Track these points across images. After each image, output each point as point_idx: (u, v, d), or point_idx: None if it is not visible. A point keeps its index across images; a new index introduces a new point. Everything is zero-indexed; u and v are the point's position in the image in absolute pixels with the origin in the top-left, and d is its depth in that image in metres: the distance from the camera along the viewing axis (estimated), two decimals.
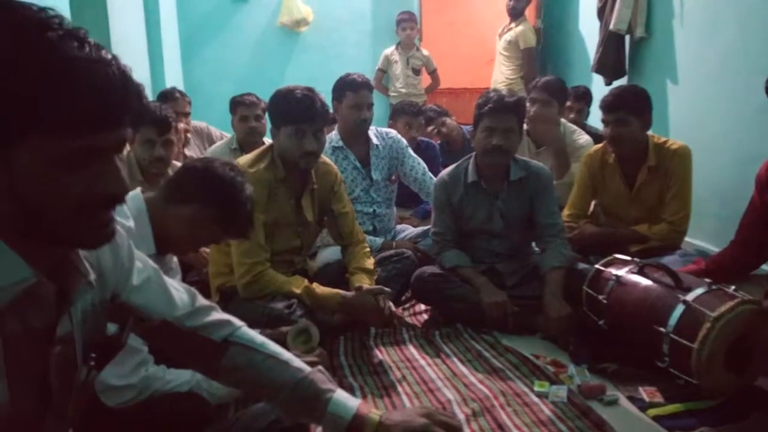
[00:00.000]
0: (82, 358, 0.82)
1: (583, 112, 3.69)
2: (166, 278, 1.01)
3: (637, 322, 1.82)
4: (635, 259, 2.02)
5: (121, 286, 0.91)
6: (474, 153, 2.37)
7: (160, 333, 0.98)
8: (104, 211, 0.69)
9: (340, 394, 1.03)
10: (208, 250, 2.29)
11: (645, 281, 1.87)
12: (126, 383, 1.29)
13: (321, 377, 1.05)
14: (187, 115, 3.67)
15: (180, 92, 3.67)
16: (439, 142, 3.98)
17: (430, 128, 3.91)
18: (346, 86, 2.68)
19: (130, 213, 1.37)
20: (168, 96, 3.59)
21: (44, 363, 0.75)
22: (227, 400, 1.49)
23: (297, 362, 1.06)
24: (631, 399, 1.71)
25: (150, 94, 4.36)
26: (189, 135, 3.72)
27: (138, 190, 1.48)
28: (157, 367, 1.35)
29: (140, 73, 4.32)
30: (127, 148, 2.55)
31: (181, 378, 1.36)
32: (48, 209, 0.64)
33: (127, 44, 3.92)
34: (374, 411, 1.03)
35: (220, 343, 1.03)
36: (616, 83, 3.82)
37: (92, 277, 0.78)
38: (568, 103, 3.53)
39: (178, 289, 1.03)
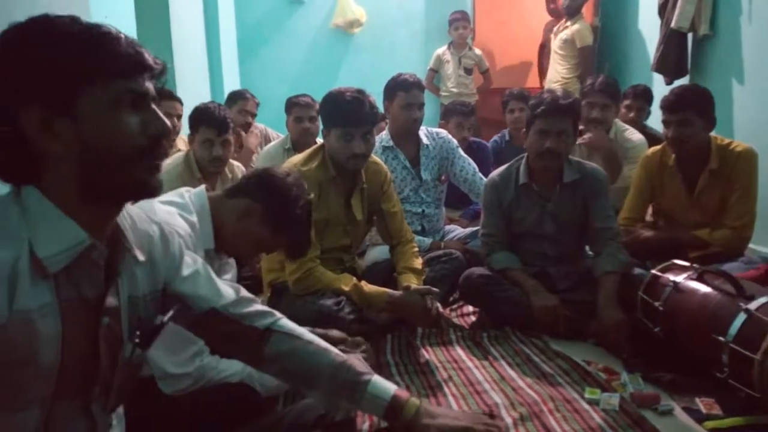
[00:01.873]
0: (128, 334, 0.88)
1: (643, 111, 3.50)
2: (213, 274, 1.07)
3: (695, 330, 1.76)
4: (694, 265, 1.95)
5: (171, 277, 0.97)
6: (526, 154, 2.33)
7: (207, 321, 1.02)
8: (154, 156, 0.81)
9: (378, 378, 1.07)
10: None
11: (704, 288, 1.80)
12: (183, 372, 1.34)
13: (359, 363, 1.09)
14: (254, 115, 3.79)
15: (250, 93, 3.79)
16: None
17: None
18: (398, 86, 2.70)
19: (193, 208, 1.42)
20: (239, 96, 3.72)
21: (94, 332, 0.82)
22: (276, 392, 1.53)
23: (335, 350, 1.10)
24: (687, 410, 1.64)
25: (208, 95, 4.51)
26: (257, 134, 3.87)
27: (202, 187, 1.53)
28: (211, 357, 1.39)
29: (199, 74, 4.46)
30: (187, 147, 2.65)
31: (234, 368, 1.40)
32: (109, 151, 0.77)
33: (187, 47, 4.06)
34: (413, 398, 1.06)
35: (263, 330, 1.07)
36: (677, 83, 3.69)
37: (139, 254, 0.87)
38: (627, 102, 3.42)
39: (224, 283, 1.08)
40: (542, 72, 5.20)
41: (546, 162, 2.21)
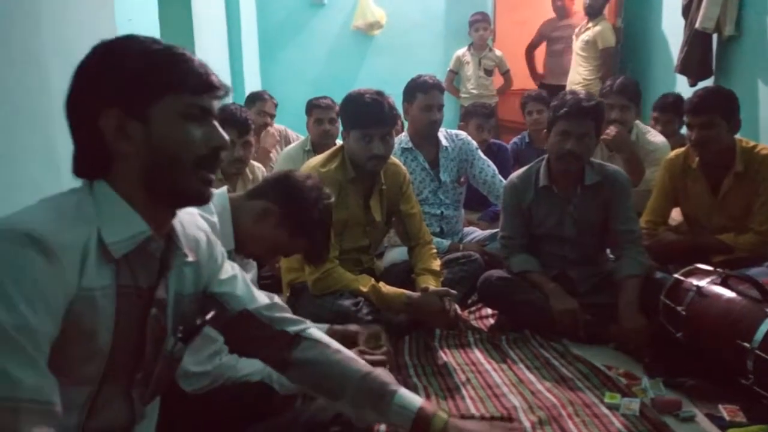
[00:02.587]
0: (172, 328, 0.95)
1: (671, 124, 3.32)
2: (251, 283, 1.12)
3: (718, 336, 1.72)
4: (718, 269, 1.92)
5: (212, 278, 1.03)
6: (546, 155, 2.32)
7: (240, 322, 1.05)
8: (211, 168, 0.90)
9: (405, 390, 1.08)
10: None
11: (728, 293, 1.77)
12: (202, 370, 1.36)
13: (385, 375, 1.09)
14: (273, 116, 3.83)
15: (268, 94, 3.83)
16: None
17: None
18: (417, 88, 2.70)
19: (215, 209, 1.43)
20: (257, 97, 3.77)
21: (143, 321, 0.89)
22: (295, 390, 1.53)
23: (362, 361, 1.12)
24: (709, 417, 1.62)
25: (230, 96, 4.55)
26: (276, 135, 3.90)
27: (224, 188, 1.55)
28: (230, 356, 1.40)
29: (221, 76, 4.50)
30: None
31: (253, 367, 1.41)
32: (173, 155, 0.86)
33: (210, 49, 4.11)
34: (441, 411, 1.06)
35: (292, 336, 1.09)
36: (702, 84, 3.63)
37: (189, 253, 0.95)
38: (654, 114, 3.35)
39: (259, 291, 1.12)
40: (534, 74, 5.17)
41: (567, 164, 2.19)
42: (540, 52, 5.19)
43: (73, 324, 0.78)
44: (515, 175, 2.40)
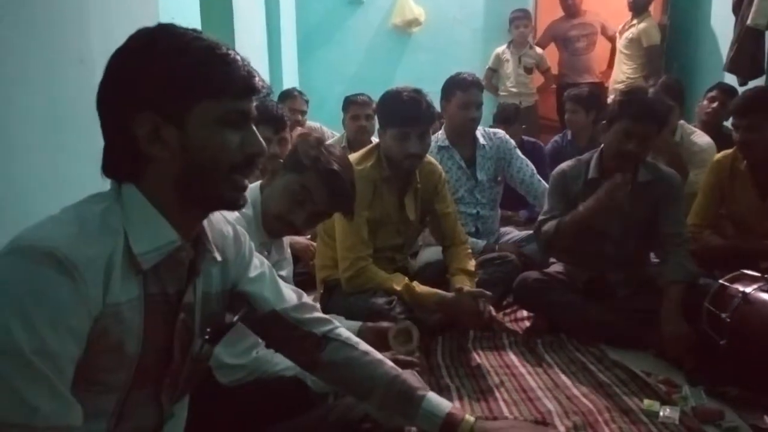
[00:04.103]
0: (199, 331, 0.92)
1: (725, 107, 3.20)
2: (278, 278, 1.10)
3: (764, 344, 1.66)
4: (766, 275, 1.84)
5: (240, 277, 1.02)
6: (600, 148, 2.23)
7: (268, 323, 1.05)
8: (246, 173, 0.86)
9: (433, 394, 1.06)
10: (315, 243, 2.39)
11: None
12: (238, 363, 1.38)
13: (414, 378, 1.08)
14: (304, 113, 3.85)
15: (299, 91, 3.87)
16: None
17: None
18: (456, 85, 2.68)
19: (249, 201, 1.46)
20: (287, 95, 3.81)
21: (171, 327, 0.87)
22: (328, 389, 1.54)
23: (390, 363, 1.11)
24: (754, 428, 1.56)
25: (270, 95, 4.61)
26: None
27: (258, 182, 1.57)
28: (266, 350, 1.42)
29: (260, 74, 4.57)
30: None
31: (288, 362, 1.42)
32: (208, 162, 0.82)
33: (249, 47, 4.16)
34: (468, 415, 1.04)
35: (320, 337, 1.08)
36: (752, 83, 3.50)
37: (217, 255, 0.93)
38: (712, 93, 3.28)
39: (287, 287, 1.11)
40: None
41: (623, 163, 2.11)
42: (551, 52, 5.11)
43: (100, 338, 0.76)
44: (566, 163, 2.32)
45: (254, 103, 0.86)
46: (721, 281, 1.91)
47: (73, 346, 0.73)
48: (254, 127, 0.87)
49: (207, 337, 0.94)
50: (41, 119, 1.56)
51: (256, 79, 0.84)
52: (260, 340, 1.39)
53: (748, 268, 1.93)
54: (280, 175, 1.54)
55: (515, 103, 4.61)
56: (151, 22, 0.84)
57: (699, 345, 1.91)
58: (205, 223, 0.92)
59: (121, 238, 0.79)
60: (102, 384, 0.79)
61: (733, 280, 1.88)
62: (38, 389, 0.69)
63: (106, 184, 0.85)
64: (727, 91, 3.32)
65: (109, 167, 0.84)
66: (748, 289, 1.79)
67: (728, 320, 1.78)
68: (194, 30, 0.83)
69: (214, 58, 0.80)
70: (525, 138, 3.65)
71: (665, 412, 1.62)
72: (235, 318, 0.99)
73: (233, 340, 1.35)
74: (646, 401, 1.68)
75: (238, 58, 0.83)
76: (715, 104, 3.27)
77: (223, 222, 1.01)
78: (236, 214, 1.36)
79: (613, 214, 2.14)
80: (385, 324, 1.74)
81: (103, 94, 0.82)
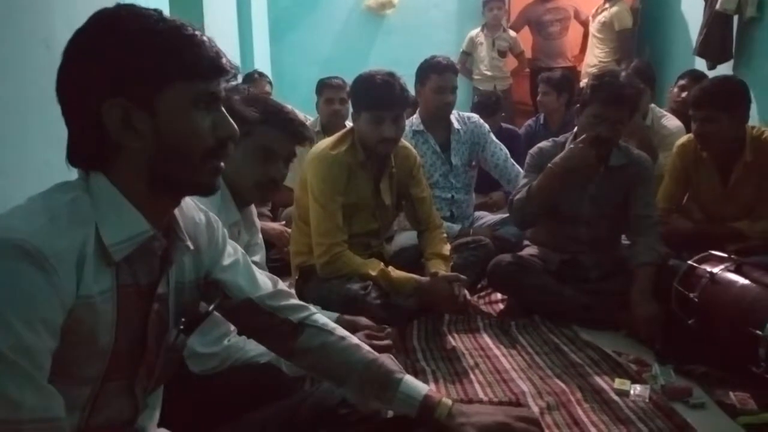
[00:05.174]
0: (173, 321, 0.91)
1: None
2: (253, 265, 1.09)
3: (730, 323, 1.70)
4: (732, 256, 1.89)
5: (213, 265, 1.00)
6: (574, 130, 2.24)
7: (243, 311, 1.04)
8: (221, 156, 0.85)
9: (410, 377, 1.07)
10: (289, 230, 2.37)
11: (742, 280, 1.75)
12: (210, 351, 1.36)
13: (390, 362, 1.08)
14: (268, 95, 3.80)
15: (259, 73, 3.84)
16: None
17: None
18: (431, 69, 2.66)
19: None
20: (249, 78, 3.76)
21: (145, 318, 0.85)
22: (303, 373, 1.54)
23: (367, 347, 1.10)
24: (720, 404, 1.60)
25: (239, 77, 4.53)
26: None
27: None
28: (238, 337, 1.41)
29: (230, 57, 4.49)
30: None
31: (261, 349, 1.41)
32: (180, 147, 0.81)
33: (219, 29, 4.07)
34: (446, 398, 1.05)
35: (296, 324, 1.07)
36: (721, 68, 3.56)
37: (190, 244, 0.91)
38: (682, 82, 3.31)
39: (262, 274, 1.09)
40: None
41: (595, 147, 2.12)
42: (525, 36, 5.12)
43: (73, 330, 0.74)
44: (543, 143, 2.35)
45: (222, 85, 0.84)
46: (689, 262, 1.95)
47: (49, 340, 0.72)
48: (224, 110, 0.85)
49: (181, 327, 0.93)
50: (5, 105, 1.51)
51: (224, 60, 0.83)
52: (232, 328, 1.38)
53: (715, 250, 1.98)
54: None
55: (489, 87, 4.62)
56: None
57: (668, 325, 1.96)
58: (176, 211, 0.90)
59: (92, 229, 0.77)
60: (76, 376, 0.78)
61: (701, 261, 1.92)
62: (20, 384, 0.69)
63: (74, 173, 0.82)
64: (697, 78, 3.32)
65: (74, 157, 0.81)
66: (716, 270, 1.83)
67: (696, 300, 1.83)
68: (156, 10, 0.80)
69: (182, 39, 0.79)
70: (503, 125, 3.66)
71: (635, 390, 1.66)
72: (211, 308, 0.97)
73: (205, 329, 1.33)
74: (617, 380, 1.72)
75: (205, 38, 0.81)
76: (685, 93, 3.28)
77: (194, 209, 0.99)
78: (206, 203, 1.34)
79: (585, 189, 2.16)
80: (361, 320, 1.70)
81: (65, 80, 0.79)
